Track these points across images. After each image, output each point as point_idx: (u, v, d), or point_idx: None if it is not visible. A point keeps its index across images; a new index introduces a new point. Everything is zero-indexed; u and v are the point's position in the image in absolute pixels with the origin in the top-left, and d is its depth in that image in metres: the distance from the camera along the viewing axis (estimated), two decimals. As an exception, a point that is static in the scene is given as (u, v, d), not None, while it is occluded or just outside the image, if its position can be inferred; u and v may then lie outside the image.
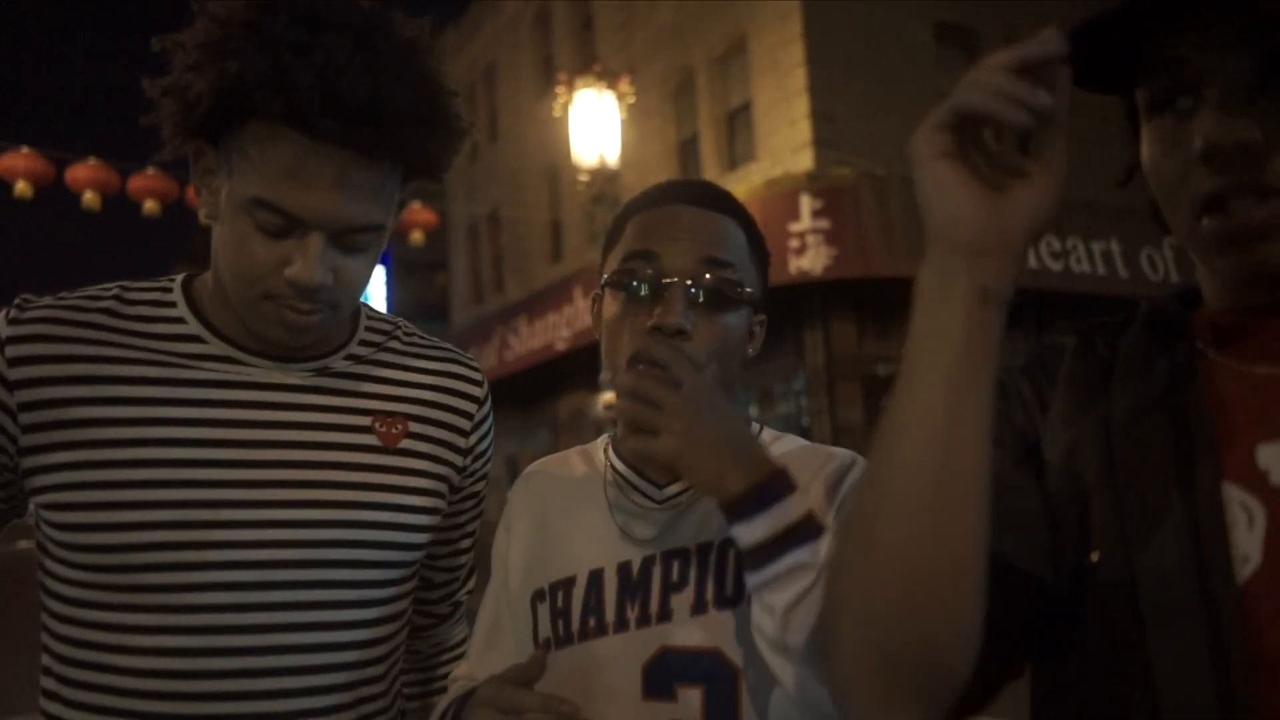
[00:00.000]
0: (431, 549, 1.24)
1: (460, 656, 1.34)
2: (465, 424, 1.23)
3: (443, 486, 1.20)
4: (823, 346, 11.09)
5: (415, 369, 1.21)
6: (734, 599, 1.05)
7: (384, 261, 16.98)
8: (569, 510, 1.18)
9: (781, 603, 0.90)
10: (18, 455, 1.03)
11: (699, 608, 1.06)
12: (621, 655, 1.07)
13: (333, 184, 0.99)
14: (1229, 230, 0.74)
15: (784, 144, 11.47)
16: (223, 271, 1.07)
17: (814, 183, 10.89)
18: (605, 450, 1.21)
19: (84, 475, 1.01)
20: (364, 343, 1.19)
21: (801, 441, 1.17)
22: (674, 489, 1.12)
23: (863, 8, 11.66)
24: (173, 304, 1.11)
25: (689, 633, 1.05)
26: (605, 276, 1.12)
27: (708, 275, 1.07)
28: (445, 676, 1.33)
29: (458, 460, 1.22)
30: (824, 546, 0.90)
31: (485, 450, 1.27)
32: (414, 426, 1.17)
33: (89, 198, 10.40)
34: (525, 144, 17.69)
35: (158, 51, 1.03)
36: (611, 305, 1.11)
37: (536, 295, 16.14)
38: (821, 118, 11.30)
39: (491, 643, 1.19)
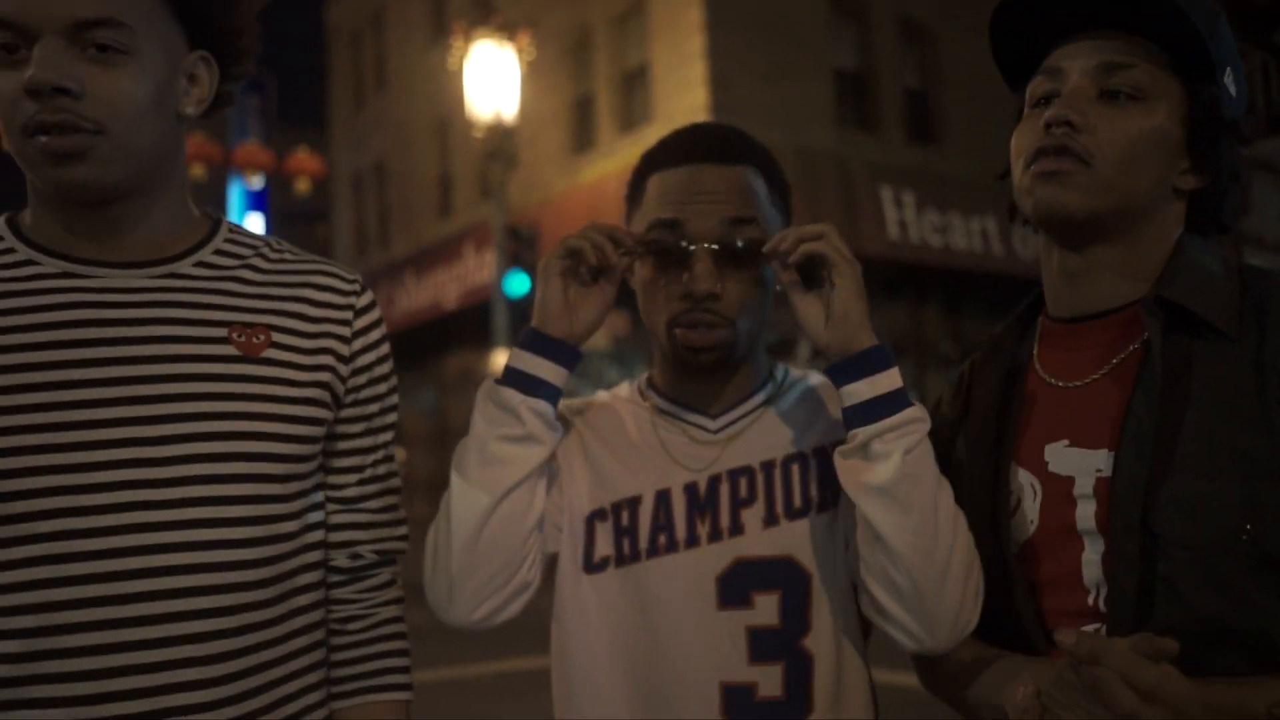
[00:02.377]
0: (327, 476, 1.18)
1: (394, 651, 1.20)
2: (344, 330, 1.16)
3: (323, 395, 1.13)
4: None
5: (279, 281, 1.15)
6: (803, 509, 1.17)
7: (262, 209, 16.36)
8: (617, 440, 1.25)
9: (902, 447, 1.04)
10: None
11: (771, 519, 1.17)
12: (694, 569, 1.16)
13: None
14: (1037, 171, 1.03)
15: (680, 107, 11.47)
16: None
17: (708, 148, 10.94)
18: (640, 390, 1.30)
19: None
20: (222, 252, 1.13)
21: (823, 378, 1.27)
22: (728, 417, 1.23)
23: (761, -25, 11.71)
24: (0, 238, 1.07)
25: (762, 543, 1.16)
26: (626, 248, 1.16)
27: (731, 237, 1.15)
28: (374, 675, 1.18)
29: (341, 369, 1.15)
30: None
31: (373, 364, 1.19)
32: (278, 336, 1.11)
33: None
34: (414, 94, 17.23)
35: None
36: (643, 270, 1.19)
37: (424, 250, 15.82)
38: (718, 83, 11.35)
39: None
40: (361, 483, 1.20)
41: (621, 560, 1.18)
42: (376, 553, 1.21)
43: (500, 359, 11.18)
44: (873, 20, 12.85)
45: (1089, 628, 0.98)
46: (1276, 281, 1.00)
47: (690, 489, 1.19)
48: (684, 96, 11.55)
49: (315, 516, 1.16)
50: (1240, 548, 0.91)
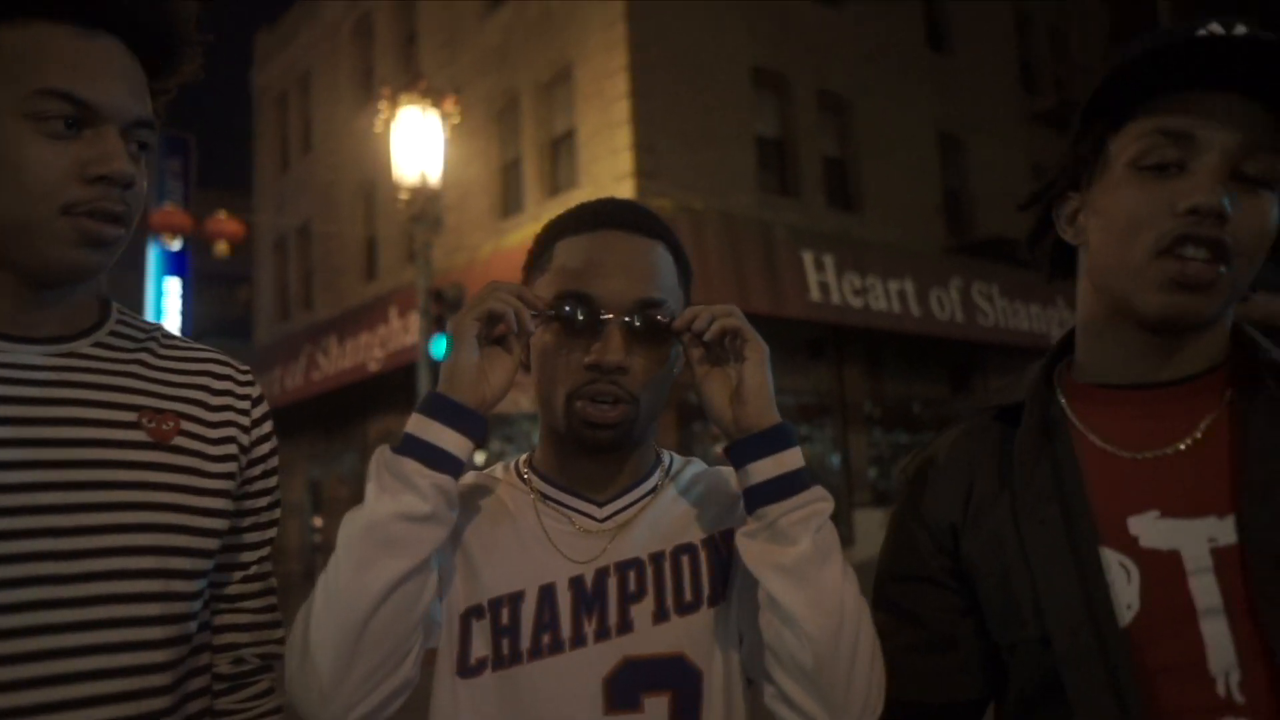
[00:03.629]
0: (215, 575, 1.11)
1: None
2: (244, 420, 1.14)
3: (229, 486, 1.09)
4: (639, 373, 11.25)
5: (177, 369, 1.11)
6: (694, 603, 1.11)
7: (181, 273, 16.01)
8: (496, 529, 1.15)
9: (812, 526, 1.01)
10: None
11: (661, 615, 1.10)
12: (580, 671, 1.07)
13: (117, 73, 0.98)
14: (1179, 274, 0.92)
15: (606, 172, 11.64)
16: None
17: (634, 212, 11.09)
18: (519, 473, 1.21)
19: None
20: (117, 334, 1.09)
21: (710, 467, 1.26)
22: (616, 505, 1.16)
23: (686, 46, 12.04)
24: None
25: (652, 641, 1.09)
26: (535, 311, 1.09)
27: (644, 313, 1.11)
28: None
29: (242, 459, 1.13)
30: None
31: (266, 456, 1.16)
32: (186, 424, 1.07)
33: None
34: (341, 156, 17.16)
35: None
36: (544, 337, 1.13)
37: (349, 313, 15.64)
38: (643, 149, 11.55)
39: None
40: (245, 580, 1.15)
41: (500, 663, 1.08)
42: (259, 656, 1.16)
43: (426, 422, 11.04)
44: (793, 91, 13.27)
45: None
46: None
47: (577, 583, 1.11)
48: (610, 162, 11.72)
49: (206, 617, 1.10)
50: None
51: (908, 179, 14.14)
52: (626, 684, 1.07)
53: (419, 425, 1.03)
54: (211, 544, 1.06)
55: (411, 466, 1.00)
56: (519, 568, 1.12)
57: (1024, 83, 16.68)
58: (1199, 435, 0.97)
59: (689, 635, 1.10)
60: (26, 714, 0.90)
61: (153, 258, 15.78)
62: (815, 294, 11.89)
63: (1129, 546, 0.95)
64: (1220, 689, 0.89)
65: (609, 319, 1.09)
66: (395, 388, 13.91)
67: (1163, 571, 0.93)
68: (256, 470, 1.15)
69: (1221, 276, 0.92)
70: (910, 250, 13.09)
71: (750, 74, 12.76)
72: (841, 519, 12.69)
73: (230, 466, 1.10)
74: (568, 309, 1.10)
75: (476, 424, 1.05)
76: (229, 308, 23.53)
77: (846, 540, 12.45)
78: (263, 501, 1.17)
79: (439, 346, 10.80)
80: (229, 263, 17.18)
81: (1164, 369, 1.00)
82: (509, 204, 13.48)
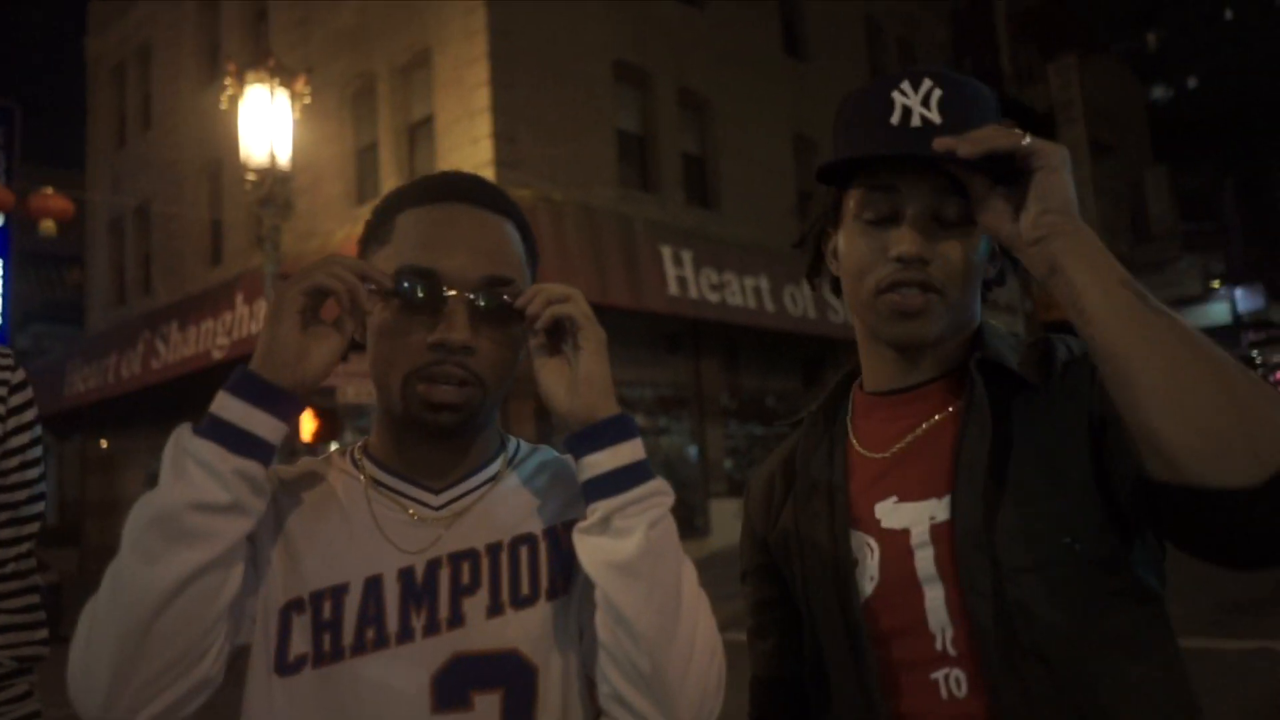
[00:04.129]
0: None
1: None
2: None
3: None
4: (497, 365, 11.16)
5: None
6: (530, 597, 1.06)
7: (1, 252, 14.89)
8: (322, 517, 1.08)
9: (646, 521, 0.98)
10: None
11: (495, 609, 1.05)
12: (406, 667, 1.01)
13: None
14: (897, 305, 1.09)
15: (465, 160, 11.46)
16: None
17: (494, 202, 10.98)
18: (354, 459, 1.14)
19: None
20: None
21: (552, 452, 1.22)
22: (453, 493, 1.10)
23: (548, 36, 11.98)
24: None
25: (484, 636, 1.04)
26: (372, 284, 1.02)
27: (491, 290, 1.05)
28: None
29: None
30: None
31: (26, 447, 1.11)
32: None
33: None
34: (183, 134, 16.30)
35: None
36: (382, 315, 1.05)
37: (191, 299, 14.88)
38: (503, 138, 11.44)
39: None
40: (1, 579, 1.09)
41: (321, 659, 1.01)
42: (16, 659, 1.10)
43: (274, 414, 10.64)
44: (654, 86, 13.40)
45: (938, 674, 1.06)
46: (1054, 340, 1.13)
47: (406, 575, 1.04)
48: (469, 150, 11.56)
49: None
50: (1069, 559, 1.01)
51: (764, 179, 14.50)
52: (456, 681, 1.02)
53: (224, 405, 0.94)
54: None
55: (211, 450, 0.92)
56: (344, 558, 1.05)
57: (874, 89, 17.32)
58: (920, 432, 1.14)
59: (524, 630, 1.05)
60: None
61: (-32, 236, 14.62)
62: (674, 288, 12.06)
63: (874, 528, 1.12)
64: (938, 644, 1.06)
65: (453, 296, 1.03)
66: (241, 378, 13.34)
67: (896, 548, 1.10)
68: (14, 462, 1.09)
69: (933, 302, 1.09)
70: (765, 248, 13.43)
71: (612, 68, 12.81)
72: (698, 509, 12.92)
73: None
74: (407, 285, 1.03)
75: (289, 405, 0.97)
76: (57, 290, 22.03)
77: (702, 531, 12.68)
78: (21, 495, 1.11)
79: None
80: (57, 243, 16.07)
81: (907, 377, 1.17)
82: (364, 189, 13.11)
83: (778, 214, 14.35)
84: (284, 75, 10.40)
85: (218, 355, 13.46)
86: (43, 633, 1.10)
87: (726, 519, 12.59)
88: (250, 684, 1.04)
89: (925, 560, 1.07)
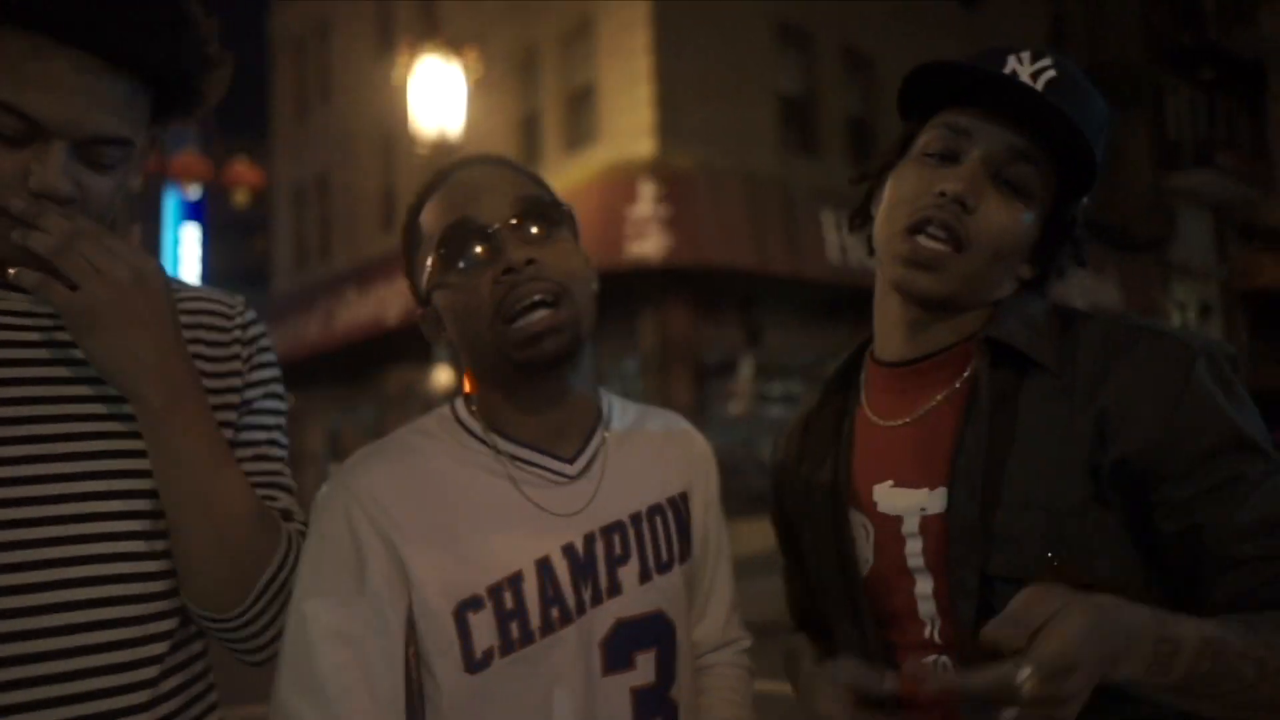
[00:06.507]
0: None
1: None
2: (242, 351, 1.18)
3: (229, 416, 1.13)
4: (656, 331, 11.27)
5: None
6: (668, 563, 1.17)
7: (199, 220, 16.00)
8: (464, 502, 1.08)
9: None
10: None
11: (645, 575, 1.14)
12: (580, 638, 1.08)
13: (76, 88, 0.95)
14: (915, 251, 1.04)
15: (626, 128, 11.53)
16: None
17: (655, 170, 11.01)
18: (468, 430, 1.14)
19: None
20: None
21: (644, 408, 1.28)
22: (583, 460, 1.15)
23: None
24: None
25: (638, 601, 1.13)
26: (426, 261, 1.11)
27: (526, 211, 1.09)
28: None
29: (237, 383, 1.16)
30: None
31: (263, 364, 1.21)
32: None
33: None
34: (359, 107, 17.06)
35: None
36: (448, 292, 1.11)
37: (367, 265, 15.63)
38: (665, 105, 11.43)
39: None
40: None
41: (510, 647, 1.05)
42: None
43: (442, 375, 11.07)
44: (816, 47, 13.07)
45: (929, 659, 1.05)
46: (1085, 318, 1.06)
47: (569, 551, 1.08)
48: (630, 116, 11.61)
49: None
50: (1050, 576, 0.93)
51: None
52: (620, 644, 1.11)
53: None
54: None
55: None
56: (512, 545, 1.07)
57: (1055, 40, 16.36)
58: (921, 412, 1.09)
59: (664, 593, 1.15)
60: (38, 611, 0.96)
61: (171, 205, 15.75)
62: (834, 256, 11.81)
63: (870, 509, 1.11)
64: (927, 633, 1.06)
65: (501, 227, 1.07)
66: (413, 340, 13.88)
67: (889, 533, 1.09)
68: (258, 392, 1.19)
69: (951, 259, 1.03)
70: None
71: (774, 29, 12.57)
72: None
73: (227, 398, 1.13)
74: (456, 238, 1.08)
75: None
76: (245, 257, 23.56)
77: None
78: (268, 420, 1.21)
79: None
80: (245, 212, 17.15)
81: (915, 345, 1.10)
82: (529, 157, 13.39)
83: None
84: (454, 47, 10.70)
85: (392, 320, 14.10)
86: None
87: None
88: (436, 689, 1.06)
89: (914, 551, 1.06)
